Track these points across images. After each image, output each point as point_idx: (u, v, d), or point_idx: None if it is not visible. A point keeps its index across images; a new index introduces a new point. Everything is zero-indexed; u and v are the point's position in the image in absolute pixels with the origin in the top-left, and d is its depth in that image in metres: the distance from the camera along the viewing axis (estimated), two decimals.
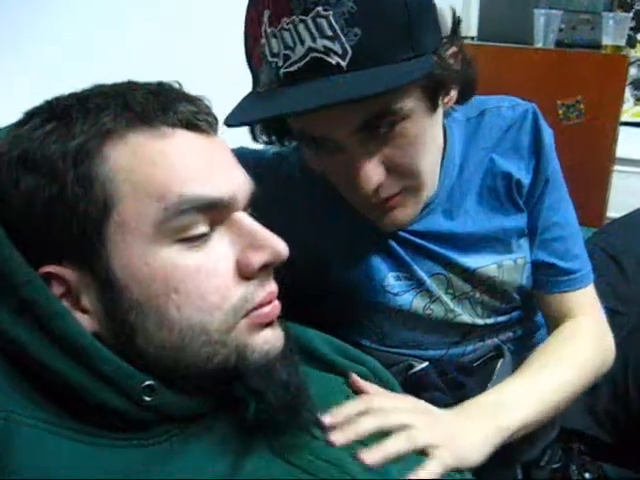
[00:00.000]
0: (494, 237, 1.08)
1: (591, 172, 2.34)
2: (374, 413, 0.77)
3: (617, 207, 2.32)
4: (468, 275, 1.08)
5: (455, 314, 1.09)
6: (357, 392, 0.81)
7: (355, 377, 0.82)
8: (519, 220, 1.09)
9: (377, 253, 1.06)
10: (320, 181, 1.03)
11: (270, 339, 0.68)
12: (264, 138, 1.02)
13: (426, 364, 1.06)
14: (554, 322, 1.11)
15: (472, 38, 2.73)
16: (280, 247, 0.68)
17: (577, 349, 1.05)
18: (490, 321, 1.13)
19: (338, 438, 0.72)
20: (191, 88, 0.74)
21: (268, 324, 0.69)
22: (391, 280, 1.06)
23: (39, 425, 0.61)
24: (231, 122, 0.84)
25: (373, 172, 0.88)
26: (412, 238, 1.05)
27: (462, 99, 0.98)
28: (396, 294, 1.07)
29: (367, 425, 0.75)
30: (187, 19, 1.58)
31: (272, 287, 0.70)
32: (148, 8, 1.47)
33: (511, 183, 1.07)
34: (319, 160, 0.93)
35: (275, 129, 1.00)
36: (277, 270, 0.71)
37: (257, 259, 0.67)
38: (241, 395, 0.68)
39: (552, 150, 1.09)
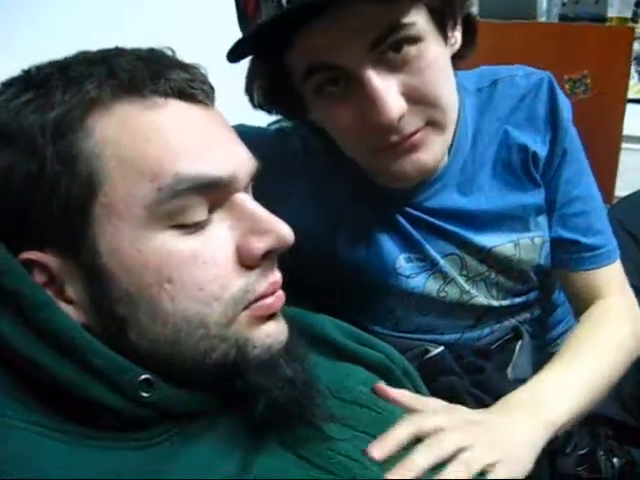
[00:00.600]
0: (510, 214, 1.03)
1: (600, 148, 2.27)
2: (427, 442, 0.70)
3: (625, 185, 2.28)
4: (483, 255, 1.03)
5: (470, 296, 1.04)
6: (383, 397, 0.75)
7: (381, 385, 0.75)
8: (537, 196, 1.03)
9: (387, 233, 1.00)
10: (324, 159, 0.98)
11: (273, 333, 0.63)
12: (265, 107, 0.95)
13: (442, 348, 1.01)
14: (582, 303, 1.06)
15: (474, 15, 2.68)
16: (285, 232, 0.62)
17: (611, 332, 1.00)
18: (506, 303, 1.08)
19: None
20: None
21: (271, 316, 0.63)
22: (403, 262, 1.01)
23: (29, 428, 0.55)
24: (235, 47, 0.79)
25: (394, 100, 0.81)
26: (424, 216, 1.00)
27: (465, 46, 0.92)
28: (408, 276, 1.01)
29: (423, 461, 0.67)
30: (187, 20, 1.56)
31: (276, 276, 0.64)
32: (147, 8, 1.46)
33: (527, 156, 1.01)
34: (330, 111, 0.86)
35: (279, 95, 0.92)
36: (282, 256, 0.65)
37: (260, 245, 0.61)
38: (244, 392, 0.62)
39: (569, 120, 1.04)
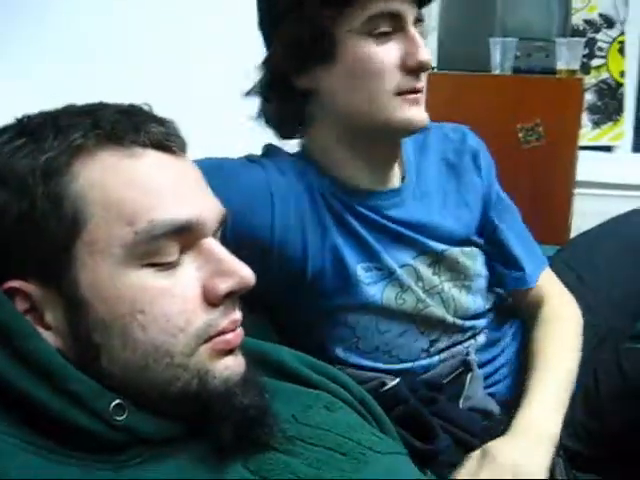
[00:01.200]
0: (458, 231, 1.20)
1: (554, 194, 2.38)
2: None
3: (578, 229, 2.35)
4: (436, 262, 1.15)
5: (426, 304, 1.14)
6: None
7: None
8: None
9: (348, 243, 1.10)
10: (290, 174, 1.11)
11: (231, 366, 0.69)
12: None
13: (398, 380, 1.07)
14: (529, 310, 1.28)
15: (433, 68, 2.78)
16: (246, 274, 0.68)
17: (566, 331, 1.23)
18: (459, 322, 1.17)
19: None
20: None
21: (230, 351, 0.69)
22: (362, 271, 1.10)
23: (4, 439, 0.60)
24: None
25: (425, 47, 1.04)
26: (382, 221, 1.12)
27: None
28: (367, 284, 1.10)
29: None
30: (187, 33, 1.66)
31: (236, 315, 0.70)
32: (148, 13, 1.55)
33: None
34: (377, 49, 1.03)
35: (313, 43, 1.04)
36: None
37: (223, 286, 0.67)
38: (206, 420, 0.67)
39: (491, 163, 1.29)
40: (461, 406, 1.10)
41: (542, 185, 2.31)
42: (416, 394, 1.06)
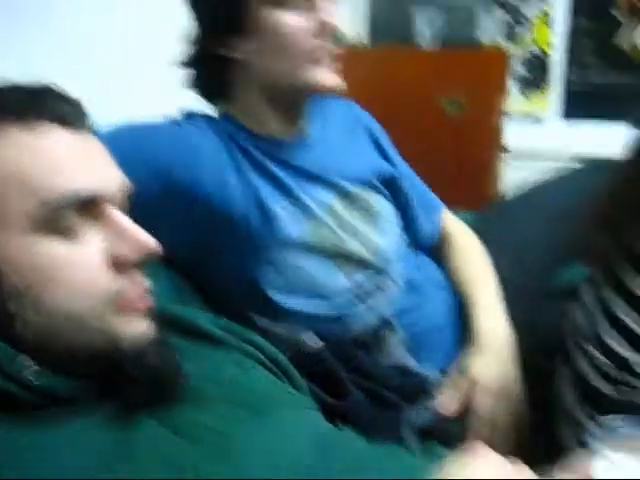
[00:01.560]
0: (364, 176, 1.29)
1: (478, 163, 2.45)
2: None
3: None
4: (350, 201, 1.23)
5: (343, 241, 1.20)
6: None
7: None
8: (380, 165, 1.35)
9: (265, 184, 1.16)
10: (210, 127, 1.19)
11: (139, 329, 0.73)
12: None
13: (321, 345, 1.11)
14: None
15: (365, 45, 2.83)
16: (149, 243, 0.72)
17: (474, 248, 1.42)
18: (376, 263, 1.23)
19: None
20: None
21: (138, 315, 0.73)
22: (279, 209, 1.16)
23: None
24: None
25: None
26: (298, 164, 1.19)
27: None
28: (287, 221, 1.16)
29: None
30: None
31: (143, 282, 0.74)
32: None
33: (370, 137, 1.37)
34: (290, 18, 1.11)
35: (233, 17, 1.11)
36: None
37: (128, 254, 0.71)
38: (118, 379, 0.71)
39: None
40: (381, 362, 1.15)
41: (467, 155, 2.39)
42: (338, 348, 1.10)
